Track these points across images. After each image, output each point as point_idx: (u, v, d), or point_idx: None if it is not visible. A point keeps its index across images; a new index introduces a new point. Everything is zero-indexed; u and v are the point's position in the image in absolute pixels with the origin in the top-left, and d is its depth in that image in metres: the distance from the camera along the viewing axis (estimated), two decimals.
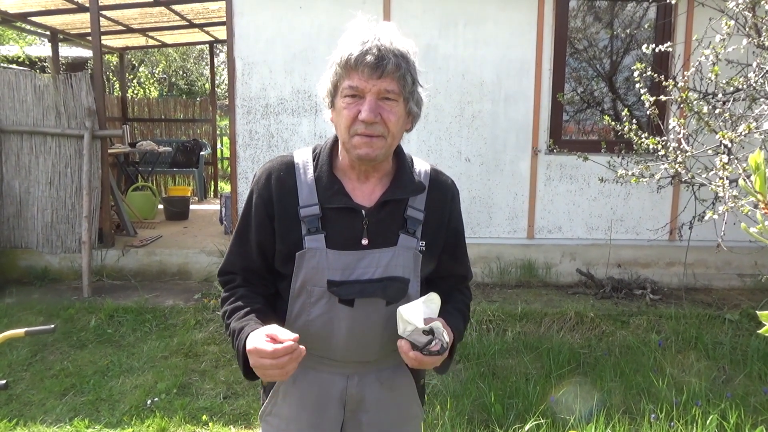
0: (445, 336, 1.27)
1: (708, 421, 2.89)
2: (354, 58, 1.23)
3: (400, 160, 1.41)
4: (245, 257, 1.42)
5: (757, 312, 0.73)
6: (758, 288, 5.04)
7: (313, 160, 1.39)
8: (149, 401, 3.28)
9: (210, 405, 3.29)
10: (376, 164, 1.35)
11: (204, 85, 18.10)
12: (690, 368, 3.70)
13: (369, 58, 1.23)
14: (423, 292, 1.43)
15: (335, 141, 1.40)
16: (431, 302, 1.31)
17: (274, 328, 1.22)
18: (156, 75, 17.03)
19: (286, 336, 1.19)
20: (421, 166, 1.45)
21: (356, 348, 1.38)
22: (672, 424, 2.94)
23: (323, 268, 1.33)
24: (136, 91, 15.22)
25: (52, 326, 2.13)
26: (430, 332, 1.26)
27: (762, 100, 3.06)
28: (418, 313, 1.26)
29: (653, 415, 2.99)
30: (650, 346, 3.95)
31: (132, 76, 15.65)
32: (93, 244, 5.15)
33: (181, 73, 18.13)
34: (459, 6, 5.08)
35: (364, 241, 1.34)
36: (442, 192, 1.45)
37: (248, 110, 5.16)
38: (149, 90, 16.04)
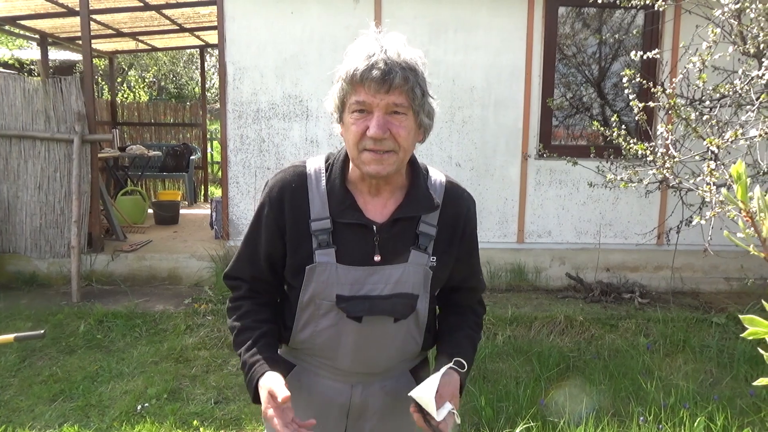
0: (457, 420, 1.28)
1: (695, 424, 2.92)
2: (360, 73, 1.19)
3: (414, 172, 1.37)
4: (253, 266, 1.41)
5: (740, 316, 0.76)
6: (744, 291, 5.10)
7: (326, 171, 1.36)
8: (139, 407, 3.27)
9: (201, 410, 3.27)
10: (389, 178, 1.31)
11: (194, 89, 18.04)
12: (678, 371, 3.74)
13: (375, 72, 1.18)
14: (432, 306, 1.44)
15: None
16: (444, 375, 1.32)
17: (275, 384, 1.25)
18: (146, 79, 16.95)
19: (282, 394, 1.22)
20: (437, 178, 1.41)
21: (362, 361, 1.38)
22: (660, 426, 2.97)
23: (333, 283, 1.32)
24: (125, 95, 15.15)
25: (42, 332, 2.12)
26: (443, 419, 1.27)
27: (748, 106, 3.11)
28: (431, 399, 1.25)
29: (642, 418, 3.02)
30: (639, 350, 3.99)
31: (121, 80, 15.58)
32: (82, 249, 5.11)
33: (171, 76, 18.06)
34: (450, 12, 5.12)
35: (377, 258, 1.32)
36: (457, 206, 1.41)
37: (239, 115, 5.16)
38: (139, 94, 15.96)
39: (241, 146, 5.20)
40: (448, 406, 1.27)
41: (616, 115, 3.57)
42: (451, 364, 1.34)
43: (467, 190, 1.46)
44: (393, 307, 1.33)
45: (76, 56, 11.26)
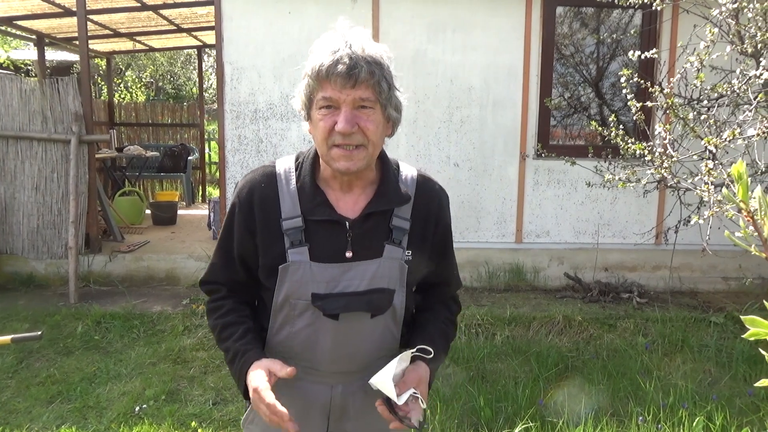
0: (422, 404, 1.26)
1: (694, 423, 2.92)
2: (325, 68, 1.19)
3: (385, 167, 1.37)
4: (229, 269, 1.41)
5: (741, 317, 0.75)
6: (742, 291, 5.10)
7: (296, 170, 1.36)
8: (137, 408, 3.26)
9: (199, 411, 3.27)
10: (359, 173, 1.31)
11: (191, 89, 18.02)
12: (676, 370, 3.74)
13: (340, 67, 1.18)
14: (410, 302, 1.43)
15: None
16: (403, 361, 1.30)
17: (273, 364, 1.26)
18: (143, 79, 16.93)
19: (283, 371, 1.24)
20: (408, 172, 1.41)
21: (341, 360, 1.37)
22: (659, 426, 2.97)
23: (307, 281, 1.31)
24: (123, 96, 15.13)
25: (39, 333, 2.11)
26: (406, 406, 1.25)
27: (746, 106, 3.11)
28: (389, 385, 1.24)
29: (641, 418, 3.02)
30: (637, 349, 3.99)
31: (119, 80, 15.56)
32: (80, 250, 5.10)
33: (169, 77, 18.04)
34: (448, 12, 5.12)
35: (348, 254, 1.31)
36: (429, 199, 1.40)
37: (237, 115, 5.15)
38: (136, 94, 15.94)
39: (239, 146, 5.19)
40: (410, 391, 1.26)
41: (614, 115, 3.57)
42: (413, 351, 1.32)
43: (439, 183, 1.46)
44: (369, 302, 1.32)
45: (74, 57, 11.23)
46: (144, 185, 9.34)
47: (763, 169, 3.13)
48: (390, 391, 1.23)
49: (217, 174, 11.37)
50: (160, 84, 18.15)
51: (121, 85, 15.67)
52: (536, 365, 3.73)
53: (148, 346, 4.05)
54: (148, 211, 7.37)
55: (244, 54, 5.08)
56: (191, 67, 17.75)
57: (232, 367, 1.34)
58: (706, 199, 2.76)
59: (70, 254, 4.94)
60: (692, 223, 2.94)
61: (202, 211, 8.26)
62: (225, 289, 1.43)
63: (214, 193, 10.20)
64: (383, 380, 1.24)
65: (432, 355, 1.33)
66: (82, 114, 5.16)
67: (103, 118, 8.93)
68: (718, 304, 4.89)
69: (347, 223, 1.32)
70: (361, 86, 1.20)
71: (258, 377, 1.24)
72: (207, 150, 10.57)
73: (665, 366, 3.82)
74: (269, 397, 1.20)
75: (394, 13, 5.09)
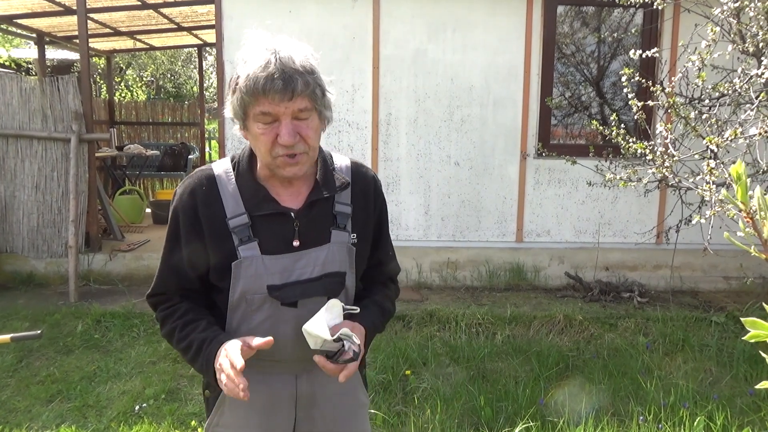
0: (355, 339, 1.29)
1: (695, 423, 2.92)
2: (261, 85, 1.20)
3: (321, 158, 1.41)
4: (178, 276, 1.40)
5: (742, 319, 0.75)
6: (743, 290, 5.09)
7: (234, 170, 1.38)
8: (137, 407, 3.25)
9: (199, 410, 3.26)
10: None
11: (192, 88, 18.02)
12: (677, 370, 3.74)
13: (276, 83, 1.19)
14: (358, 286, 1.47)
15: (253, 150, 1.38)
16: (333, 308, 1.32)
17: (248, 337, 1.27)
18: (144, 78, 16.93)
19: (258, 341, 1.25)
20: (341, 161, 1.47)
21: (304, 346, 1.36)
22: (660, 425, 2.97)
23: (261, 275, 1.33)
24: (123, 94, 15.12)
25: (39, 332, 2.11)
26: (339, 341, 1.28)
27: (747, 105, 3.10)
28: (322, 325, 1.27)
29: (641, 417, 3.01)
30: (638, 349, 3.98)
31: (119, 79, 15.55)
32: (80, 249, 5.09)
33: (169, 76, 18.04)
34: (448, 11, 5.11)
35: (296, 243, 1.35)
36: (365, 184, 1.47)
37: None
38: (137, 93, 15.94)
39: (239, 146, 5.18)
40: (342, 330, 1.28)
41: (615, 114, 3.56)
42: (338, 299, 1.35)
43: (372, 170, 1.53)
44: (325, 287, 1.36)
45: (74, 55, 11.23)
46: (144, 184, 9.34)
47: (765, 169, 3.12)
48: (324, 332, 1.26)
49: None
50: (161, 83, 18.15)
51: (122, 84, 15.67)
52: (537, 365, 3.73)
53: (148, 345, 4.05)
54: (148, 210, 7.37)
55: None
56: (192, 66, 17.74)
57: (198, 358, 1.32)
58: (707, 198, 2.75)
59: (70, 253, 4.94)
60: (694, 222, 2.93)
61: None
62: (177, 296, 1.42)
63: None
64: (315, 324, 1.27)
65: (358, 311, 1.38)
66: (83, 113, 5.15)
67: (103, 117, 8.93)
68: (719, 303, 4.88)
69: (293, 214, 1.36)
70: (297, 98, 1.23)
71: (231, 344, 1.24)
72: (207, 149, 10.57)
73: (666, 365, 3.81)
74: (234, 353, 1.20)
75: (395, 13, 5.08)
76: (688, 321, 4.40)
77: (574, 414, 3.06)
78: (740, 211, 0.77)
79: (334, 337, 1.27)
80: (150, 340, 4.13)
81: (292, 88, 1.21)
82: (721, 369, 3.76)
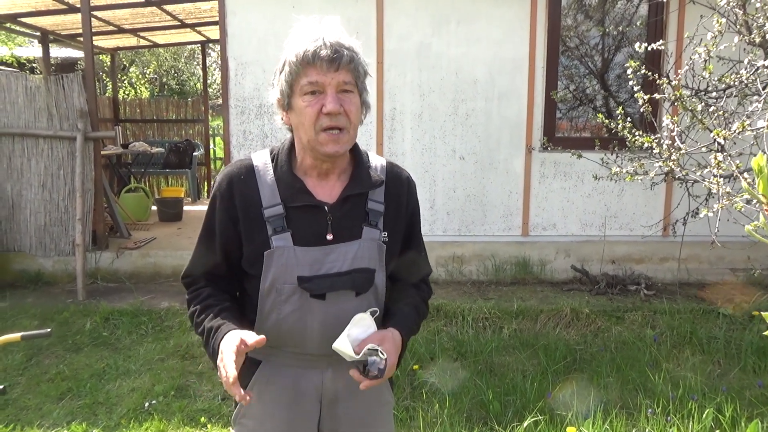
0: (381, 354, 1.30)
1: (704, 415, 2.92)
2: (311, 53, 1.27)
3: (357, 156, 1.45)
4: (210, 262, 1.45)
5: (763, 314, 0.75)
6: (751, 282, 5.08)
7: (272, 161, 1.42)
8: (147, 404, 3.28)
9: (208, 407, 3.28)
10: (336, 160, 1.39)
11: (195, 84, 18.02)
12: (685, 363, 3.73)
13: (324, 52, 1.27)
14: (388, 285, 1.48)
15: (292, 142, 1.44)
16: (360, 321, 1.35)
17: (246, 333, 1.28)
18: (147, 75, 16.94)
19: (253, 339, 1.26)
20: (377, 161, 1.49)
21: (330, 340, 1.39)
22: (669, 418, 2.97)
23: (292, 265, 1.36)
24: (127, 92, 15.15)
25: (48, 330, 2.12)
26: (367, 356, 1.31)
27: (755, 97, 3.08)
28: (346, 344, 1.31)
29: (650, 410, 3.01)
30: (645, 342, 3.98)
31: (123, 77, 15.57)
32: (87, 247, 5.12)
33: (173, 72, 18.05)
34: (452, 4, 5.08)
35: (329, 236, 1.38)
36: (399, 184, 1.50)
37: (242, 110, 5.14)
38: (140, 90, 15.96)
39: (244, 142, 5.19)
40: (368, 346, 1.31)
41: (621, 108, 3.55)
42: (363, 313, 1.37)
43: (407, 171, 1.56)
44: (353, 281, 1.39)
45: (78, 53, 11.25)
46: (149, 181, 9.37)
47: None
48: (348, 350, 1.30)
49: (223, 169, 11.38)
50: (164, 80, 18.16)
51: (125, 82, 15.69)
52: (544, 358, 3.73)
53: (156, 342, 4.07)
54: (154, 208, 7.39)
55: (248, 49, 5.07)
56: (195, 63, 17.74)
57: (208, 348, 1.37)
58: (714, 191, 2.74)
59: (78, 251, 4.96)
60: (702, 215, 2.92)
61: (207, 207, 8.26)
62: (204, 280, 1.47)
63: None
64: (340, 342, 1.31)
65: (378, 314, 1.41)
66: (88, 111, 5.16)
67: (107, 115, 8.95)
68: (727, 295, 4.87)
69: (326, 208, 1.38)
70: (342, 70, 1.29)
71: (229, 340, 1.27)
72: (212, 146, 10.57)
73: (674, 358, 3.81)
74: (228, 358, 1.23)
75: (398, 5, 5.06)
76: (695, 313, 4.39)
77: (582, 407, 3.06)
78: (761, 203, 0.76)
79: (360, 356, 1.30)
80: (158, 337, 4.16)
81: (339, 58, 1.27)
82: (729, 361, 3.75)
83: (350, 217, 1.40)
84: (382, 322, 1.46)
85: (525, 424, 2.92)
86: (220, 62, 5.32)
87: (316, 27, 1.31)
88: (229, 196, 1.39)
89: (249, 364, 1.41)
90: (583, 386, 3.34)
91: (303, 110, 1.31)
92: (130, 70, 16.62)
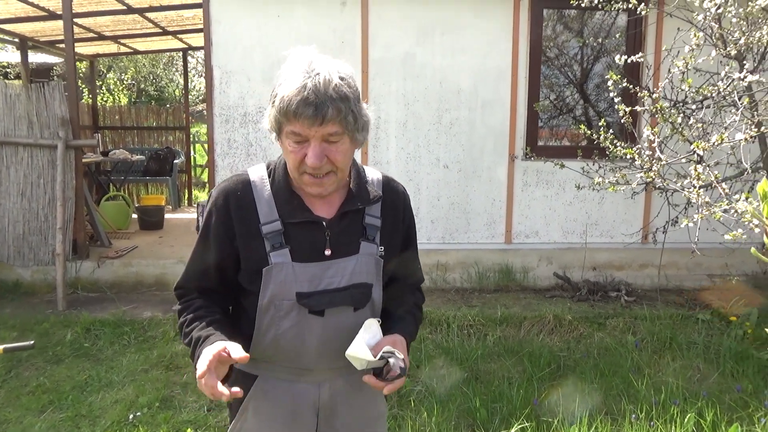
0: (398, 354, 1.32)
1: (686, 420, 2.98)
2: (293, 108, 1.23)
3: (354, 170, 1.45)
4: (203, 277, 1.44)
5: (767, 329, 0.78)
6: (727, 288, 5.19)
7: (269, 177, 1.41)
8: (131, 416, 3.23)
9: (194, 418, 3.25)
10: None
11: (174, 91, 17.86)
12: (666, 368, 3.80)
13: (309, 109, 1.22)
14: (384, 298, 1.49)
15: None
16: (370, 327, 1.36)
17: (232, 345, 1.26)
18: (125, 81, 16.74)
19: (238, 354, 1.23)
20: (373, 175, 1.50)
21: (328, 355, 1.40)
22: (652, 423, 3.02)
23: (291, 281, 1.36)
24: (105, 98, 14.95)
25: (32, 342, 2.08)
26: (383, 359, 1.31)
27: (732, 108, 3.17)
28: (363, 347, 1.31)
29: (633, 415, 3.07)
30: (627, 347, 4.05)
31: (100, 83, 15.37)
32: (67, 256, 5.04)
33: (151, 78, 17.86)
34: (436, 14, 5.14)
35: (327, 252, 1.38)
36: (395, 198, 1.51)
37: (226, 119, 5.13)
38: (118, 96, 15.76)
39: (228, 150, 5.17)
40: (385, 348, 1.32)
41: (603, 120, 3.62)
42: (376, 319, 1.39)
43: (402, 184, 1.57)
44: (352, 297, 1.39)
45: (53, 59, 11.09)
46: (129, 189, 9.25)
47: (750, 170, 3.20)
48: (366, 354, 1.29)
49: (203, 176, 11.30)
50: (142, 86, 17.96)
51: (103, 88, 15.49)
52: (529, 365, 3.77)
53: (139, 352, 4.02)
54: (134, 216, 7.30)
55: (232, 57, 5.06)
56: (174, 69, 17.58)
57: (194, 358, 1.32)
58: (694, 201, 2.81)
59: (58, 261, 4.88)
60: (682, 225, 2.99)
61: (188, 214, 8.20)
62: (196, 293, 1.46)
63: (200, 196, 10.13)
64: (357, 347, 1.31)
65: (380, 323, 1.41)
66: (69, 119, 5.10)
67: (86, 122, 8.83)
68: (704, 301, 4.97)
69: (324, 223, 1.39)
70: (328, 124, 1.25)
71: (212, 346, 1.24)
72: (192, 153, 10.49)
73: (655, 363, 3.88)
74: (204, 357, 1.21)
75: (384, 16, 5.10)
76: (674, 319, 4.48)
77: (568, 413, 3.11)
78: (765, 226, 0.81)
79: (378, 357, 1.30)
80: (141, 347, 4.10)
81: (323, 115, 1.23)
82: (708, 366, 3.83)
83: (348, 232, 1.41)
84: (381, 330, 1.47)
85: (512, 430, 2.95)
86: (204, 70, 5.29)
87: (305, 70, 1.25)
88: (226, 211, 1.38)
89: (245, 379, 1.42)
90: (568, 393, 3.38)
91: (288, 153, 1.31)
92: (108, 75, 16.41)
